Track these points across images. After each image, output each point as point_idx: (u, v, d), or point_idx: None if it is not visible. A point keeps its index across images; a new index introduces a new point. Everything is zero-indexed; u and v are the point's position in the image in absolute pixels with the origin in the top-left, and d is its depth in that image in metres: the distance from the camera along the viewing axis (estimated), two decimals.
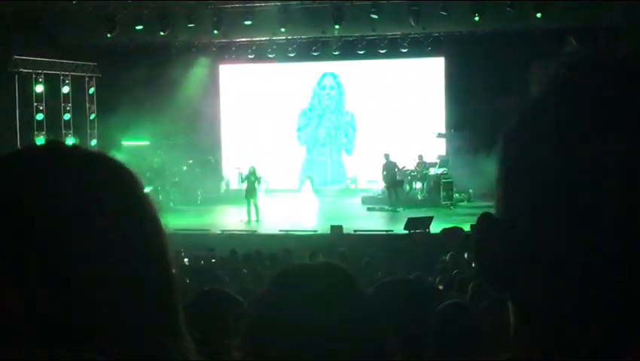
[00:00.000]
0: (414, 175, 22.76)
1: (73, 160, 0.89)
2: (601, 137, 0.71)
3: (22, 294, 0.80)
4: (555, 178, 0.72)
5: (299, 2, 21.73)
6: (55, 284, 0.81)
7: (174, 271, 0.94)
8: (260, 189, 20.97)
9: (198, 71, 24.21)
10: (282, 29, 22.11)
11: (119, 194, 0.89)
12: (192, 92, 23.89)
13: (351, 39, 23.72)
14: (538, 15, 19.66)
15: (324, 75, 25.84)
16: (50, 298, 0.81)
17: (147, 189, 0.95)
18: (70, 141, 22.69)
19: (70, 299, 0.81)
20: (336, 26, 21.94)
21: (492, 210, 0.82)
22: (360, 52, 23.90)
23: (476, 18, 20.46)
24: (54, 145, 0.93)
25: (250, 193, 20.17)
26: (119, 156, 0.93)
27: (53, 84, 23.28)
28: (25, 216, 0.82)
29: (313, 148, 26.04)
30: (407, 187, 22.65)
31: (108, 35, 21.98)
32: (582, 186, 0.71)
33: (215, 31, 22.21)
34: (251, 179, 20.39)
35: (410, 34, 23.11)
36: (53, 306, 0.81)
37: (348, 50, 23.95)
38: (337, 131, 25.90)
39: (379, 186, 23.21)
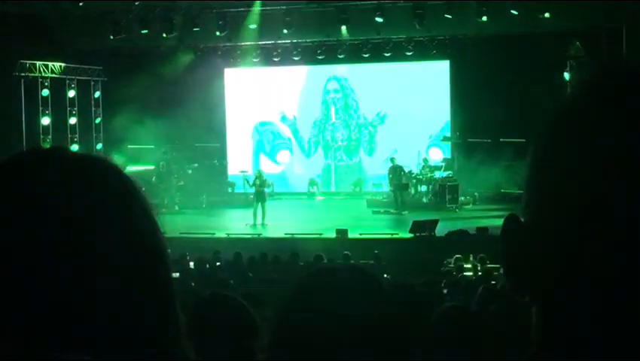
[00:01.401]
0: (419, 178, 22.77)
1: (65, 166, 0.90)
2: None
3: (18, 296, 0.81)
4: (593, 180, 0.72)
5: (304, 5, 21.77)
6: (52, 285, 0.82)
7: (171, 272, 0.94)
8: (268, 192, 21.01)
9: (203, 74, 24.24)
10: (285, 31, 22.14)
11: (115, 197, 0.89)
12: (197, 96, 23.91)
13: (356, 42, 23.74)
14: (547, 15, 19.67)
15: (329, 80, 25.87)
16: (45, 300, 0.81)
17: (147, 194, 0.95)
18: (75, 146, 22.77)
19: (65, 301, 0.82)
20: (343, 27, 22.00)
21: (500, 215, 0.82)
22: (365, 55, 23.91)
23: (484, 18, 20.50)
24: (48, 151, 0.93)
25: (259, 197, 20.19)
26: (121, 160, 0.94)
27: (58, 88, 23.33)
28: (17, 219, 0.83)
29: (319, 152, 26.03)
30: (413, 190, 22.66)
31: (111, 37, 22.03)
32: (620, 188, 0.71)
33: (218, 33, 22.27)
34: (258, 183, 20.42)
35: (415, 37, 23.12)
36: (48, 307, 0.81)
37: (354, 54, 23.96)
38: (345, 134, 25.89)
39: (384, 189, 23.24)
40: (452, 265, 13.50)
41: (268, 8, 21.99)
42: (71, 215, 0.84)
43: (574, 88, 0.78)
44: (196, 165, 24.56)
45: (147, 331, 0.86)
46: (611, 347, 0.72)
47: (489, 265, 12.64)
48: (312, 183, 25.33)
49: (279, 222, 19.62)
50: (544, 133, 0.79)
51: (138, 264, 0.87)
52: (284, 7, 21.92)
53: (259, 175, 20.82)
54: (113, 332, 0.84)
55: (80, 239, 0.84)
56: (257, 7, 21.99)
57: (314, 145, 26.02)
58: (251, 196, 20.73)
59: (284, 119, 26.05)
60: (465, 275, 12.46)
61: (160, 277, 0.91)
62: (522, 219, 0.80)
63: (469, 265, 13.73)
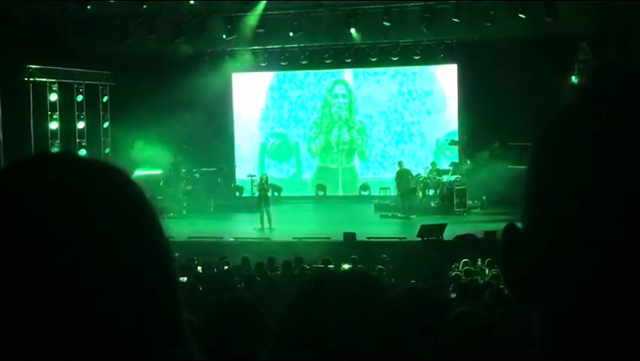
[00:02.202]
0: (427, 182, 22.74)
1: (69, 169, 0.90)
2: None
3: (16, 296, 0.81)
4: (592, 181, 0.72)
5: (311, 9, 21.80)
6: (50, 286, 0.82)
7: (177, 274, 0.94)
8: (273, 197, 21.02)
9: (211, 78, 24.28)
10: (291, 33, 22.16)
11: (118, 201, 0.90)
12: (205, 100, 23.94)
13: (363, 46, 23.76)
14: (555, 18, 19.66)
15: (335, 83, 25.90)
16: (44, 300, 0.81)
17: (154, 198, 0.96)
18: (83, 150, 22.83)
19: (62, 301, 0.82)
20: (353, 30, 22.01)
21: (508, 219, 0.82)
22: (372, 59, 23.92)
23: (492, 21, 20.51)
24: (55, 155, 0.94)
25: (263, 201, 20.23)
26: (129, 165, 0.94)
27: (66, 93, 23.40)
28: (17, 220, 0.83)
29: (326, 156, 26.06)
30: (420, 194, 22.63)
31: (119, 41, 22.09)
32: (620, 188, 0.70)
33: (225, 36, 22.32)
34: (264, 187, 20.47)
35: (423, 41, 23.12)
36: (47, 307, 0.81)
37: (361, 58, 23.98)
38: (350, 138, 25.91)
39: (391, 193, 23.22)
40: (460, 270, 13.46)
41: (275, 12, 22.02)
42: (71, 216, 0.85)
43: (574, 89, 0.78)
44: (204, 169, 24.59)
45: (149, 332, 0.87)
46: (612, 348, 0.71)
47: (497, 270, 12.60)
48: (319, 186, 25.34)
49: (287, 226, 19.62)
50: (544, 134, 0.78)
51: (140, 266, 0.87)
52: (291, 12, 21.96)
53: (265, 180, 20.91)
54: (113, 332, 0.84)
55: (80, 240, 0.84)
56: (262, 11, 22.00)
57: (317, 146, 26.05)
58: (259, 200, 20.76)
59: (291, 116, 26.08)
60: (473, 279, 12.43)
61: (164, 279, 0.91)
62: (521, 223, 0.80)
63: (477, 270, 13.69)
